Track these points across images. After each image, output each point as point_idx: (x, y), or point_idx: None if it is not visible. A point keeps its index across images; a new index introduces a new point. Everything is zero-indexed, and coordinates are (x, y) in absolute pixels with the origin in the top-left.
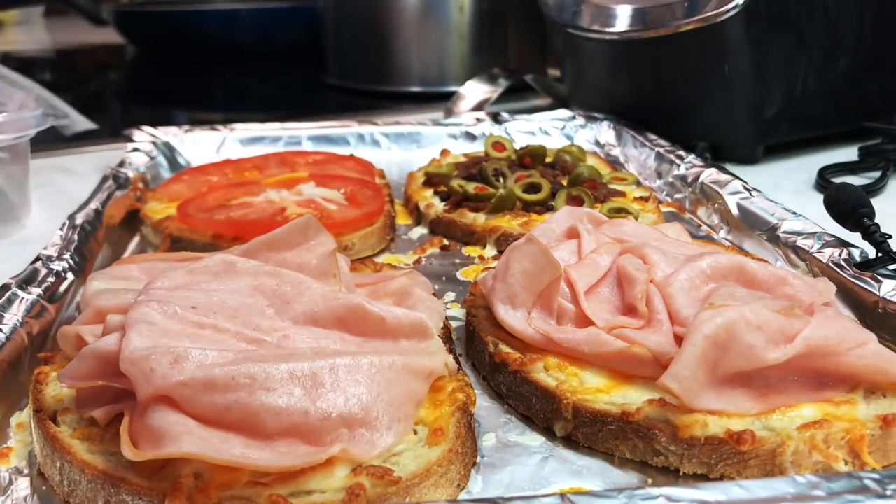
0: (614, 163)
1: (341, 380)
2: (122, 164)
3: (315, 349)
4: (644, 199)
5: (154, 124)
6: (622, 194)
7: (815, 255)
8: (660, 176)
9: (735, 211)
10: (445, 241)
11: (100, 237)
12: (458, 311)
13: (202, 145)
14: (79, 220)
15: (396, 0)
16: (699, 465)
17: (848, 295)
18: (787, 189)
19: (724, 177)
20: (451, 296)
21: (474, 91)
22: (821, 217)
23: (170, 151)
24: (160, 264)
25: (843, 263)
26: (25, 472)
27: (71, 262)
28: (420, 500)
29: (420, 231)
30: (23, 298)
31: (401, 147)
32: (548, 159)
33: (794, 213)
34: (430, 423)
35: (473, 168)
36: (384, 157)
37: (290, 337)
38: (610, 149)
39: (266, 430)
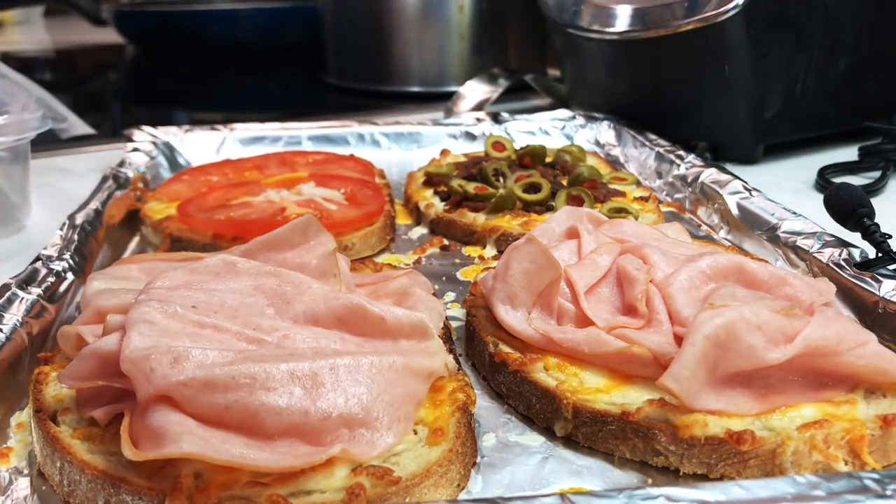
0: (614, 163)
1: (341, 380)
2: (122, 164)
3: (315, 349)
4: (644, 199)
5: (154, 124)
6: (622, 194)
7: (815, 255)
8: (660, 176)
9: (735, 211)
10: (445, 241)
11: (100, 237)
12: (458, 311)
13: (202, 145)
14: (79, 220)
15: (396, 0)
16: (699, 465)
17: (848, 295)
18: (787, 189)
19: (724, 177)
20: (451, 296)
21: (474, 91)
22: (821, 217)
23: (170, 151)
24: (160, 264)
25: (843, 263)
26: (25, 472)
27: (71, 262)
28: (420, 500)
29: (420, 231)
30: (23, 298)
31: (401, 147)
32: (548, 159)
33: (794, 213)
34: (430, 423)
35: (473, 168)
36: (384, 157)
37: (291, 337)
38: (610, 149)
39: (266, 429)
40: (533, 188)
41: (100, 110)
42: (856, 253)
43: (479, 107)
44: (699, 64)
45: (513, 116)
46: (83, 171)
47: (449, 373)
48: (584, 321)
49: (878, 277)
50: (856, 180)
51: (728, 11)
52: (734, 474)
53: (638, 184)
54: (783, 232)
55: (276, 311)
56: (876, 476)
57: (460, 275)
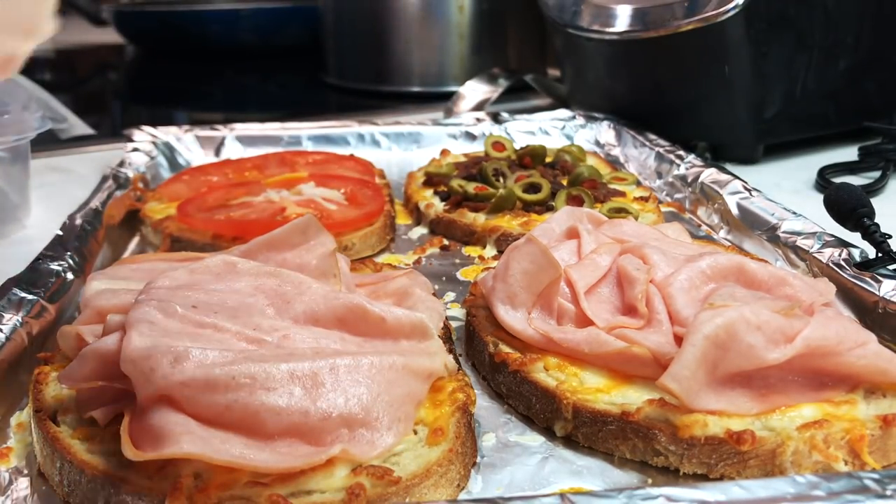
0: (614, 163)
1: (341, 380)
2: (122, 164)
3: (315, 349)
4: (644, 199)
5: (154, 124)
6: (622, 194)
7: (815, 255)
8: (660, 176)
9: (735, 211)
10: (445, 241)
11: (100, 237)
12: (458, 311)
13: (202, 145)
14: (79, 220)
15: (396, 0)
16: (699, 465)
17: (848, 295)
18: (787, 189)
19: (724, 177)
20: (451, 296)
21: (474, 91)
22: (821, 217)
23: (170, 151)
24: (160, 264)
25: (843, 263)
26: (25, 472)
27: (71, 262)
28: (420, 500)
29: (420, 231)
30: (23, 298)
31: (401, 147)
32: (548, 159)
33: (794, 213)
34: (430, 423)
35: (473, 168)
36: (384, 157)
37: (291, 337)
38: (610, 149)
39: (266, 429)
40: (533, 188)
41: (100, 110)
42: (856, 253)
43: (479, 107)
44: (699, 64)
45: (513, 116)
46: (83, 171)
47: (449, 373)
48: (584, 321)
49: (878, 277)
50: (856, 180)
51: (728, 11)
52: (734, 474)
53: (638, 184)
54: (783, 232)
55: (276, 311)
56: (876, 476)
57: (460, 275)
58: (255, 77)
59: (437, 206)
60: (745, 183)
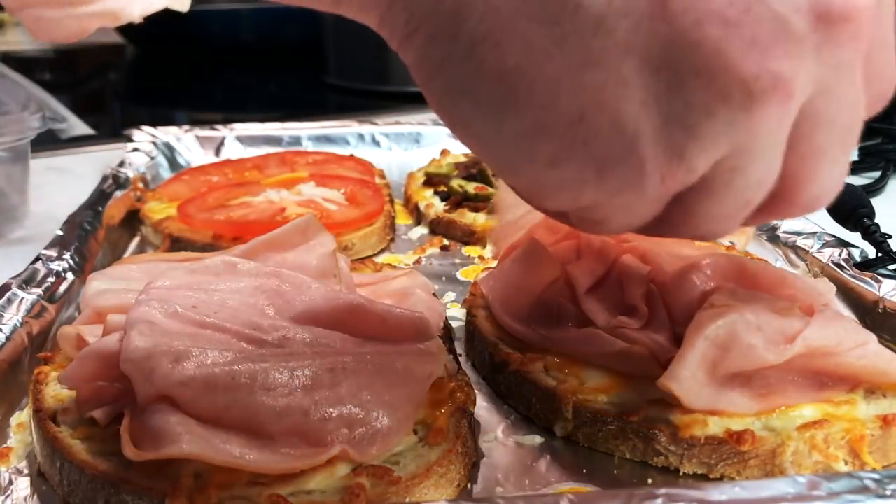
0: None
1: (341, 380)
2: (121, 164)
3: (315, 349)
4: None
5: (154, 124)
6: None
7: (815, 255)
8: None
9: None
10: (445, 241)
11: (100, 237)
12: (458, 311)
13: (202, 145)
14: (79, 220)
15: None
16: (699, 466)
17: (848, 295)
18: None
19: None
20: (451, 296)
21: None
22: (821, 217)
23: (170, 151)
24: (160, 264)
25: (843, 263)
26: (25, 472)
27: (71, 262)
28: (420, 500)
29: (420, 231)
30: (23, 298)
31: (401, 147)
32: None
33: None
34: (430, 423)
35: (473, 168)
36: (384, 157)
37: (291, 337)
38: None
39: (266, 429)
40: None
41: (100, 110)
42: (856, 253)
43: None
44: None
45: None
46: (83, 171)
47: (449, 373)
48: (584, 321)
49: (879, 277)
50: (856, 180)
51: None
52: (734, 474)
53: None
54: (783, 232)
55: (276, 311)
56: (876, 476)
57: (460, 275)
58: (255, 77)
59: (437, 206)
60: None
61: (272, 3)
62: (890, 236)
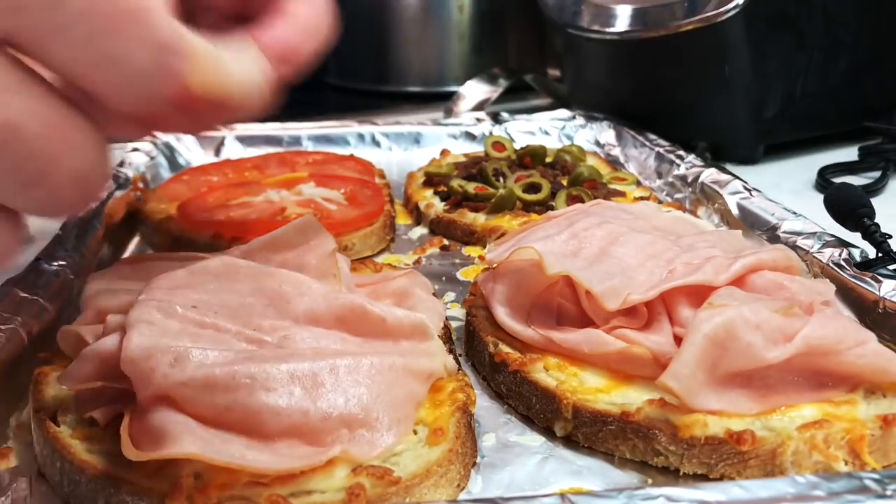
0: (614, 163)
1: (341, 380)
2: (121, 163)
3: (315, 349)
4: (644, 199)
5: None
6: (622, 194)
7: (816, 255)
8: (660, 176)
9: (735, 211)
10: (445, 241)
11: (100, 237)
12: (458, 311)
13: (202, 145)
14: (79, 220)
15: (396, 0)
16: (699, 466)
17: (848, 295)
18: (787, 189)
19: (724, 177)
20: (451, 296)
21: (474, 91)
22: (821, 217)
23: (170, 151)
24: (160, 264)
25: (843, 263)
26: (25, 471)
27: (71, 262)
28: (420, 501)
29: (420, 231)
30: (23, 298)
31: (401, 147)
32: (548, 159)
33: (795, 213)
34: (430, 423)
35: (473, 168)
36: (384, 157)
37: (291, 337)
38: (610, 149)
39: (266, 430)
40: (533, 188)
41: None
42: (856, 253)
43: (479, 107)
44: (699, 64)
45: (513, 116)
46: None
47: (449, 373)
48: (584, 321)
49: (879, 277)
50: (856, 180)
51: (728, 11)
52: (734, 474)
53: (638, 184)
54: (783, 232)
55: (276, 312)
56: (876, 476)
57: (460, 275)
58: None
59: (437, 206)
60: (746, 183)
61: None
62: (890, 236)
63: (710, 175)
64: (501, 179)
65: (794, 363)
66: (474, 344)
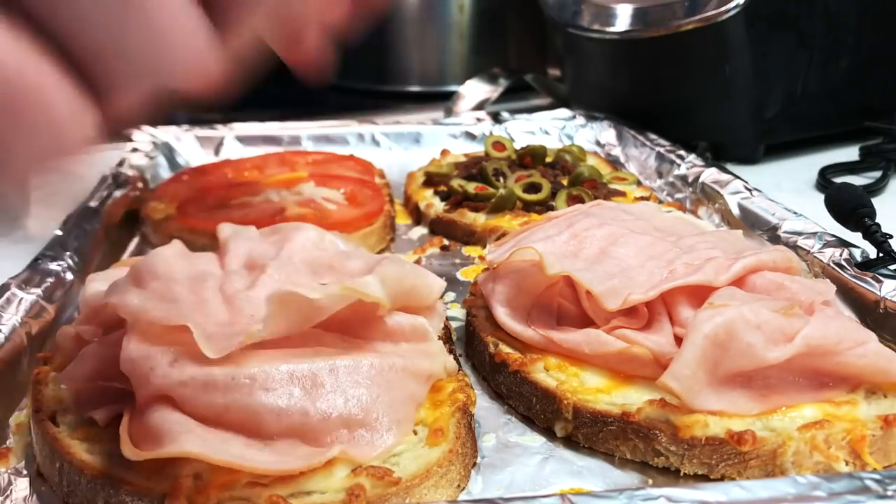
0: (614, 163)
1: (341, 381)
2: (121, 163)
3: (315, 350)
4: (644, 199)
5: (154, 124)
6: (622, 194)
7: (816, 255)
8: (660, 176)
9: (736, 211)
10: (445, 241)
11: (100, 237)
12: (458, 312)
13: (202, 145)
14: (79, 220)
15: (396, 0)
16: (700, 466)
17: (849, 295)
18: (787, 189)
19: (724, 177)
20: (451, 296)
21: (474, 91)
22: (821, 217)
23: (169, 151)
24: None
25: (843, 263)
26: (25, 472)
27: (71, 262)
28: (420, 501)
29: (420, 231)
30: (22, 298)
31: (401, 147)
32: (548, 159)
33: (795, 213)
34: (430, 423)
35: (473, 168)
36: (384, 157)
37: (291, 337)
38: (610, 149)
39: (266, 430)
40: (533, 188)
41: None
42: (856, 253)
43: (479, 107)
44: (699, 64)
45: (513, 116)
46: (83, 171)
47: (449, 373)
48: (584, 321)
49: (879, 277)
50: (856, 180)
51: (728, 11)
52: (735, 475)
53: (638, 184)
54: (784, 232)
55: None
56: (877, 476)
57: (460, 275)
58: (254, 77)
59: (437, 206)
60: (746, 183)
61: None
62: (891, 236)
63: (710, 175)
64: (501, 179)
65: (794, 363)
66: (474, 344)
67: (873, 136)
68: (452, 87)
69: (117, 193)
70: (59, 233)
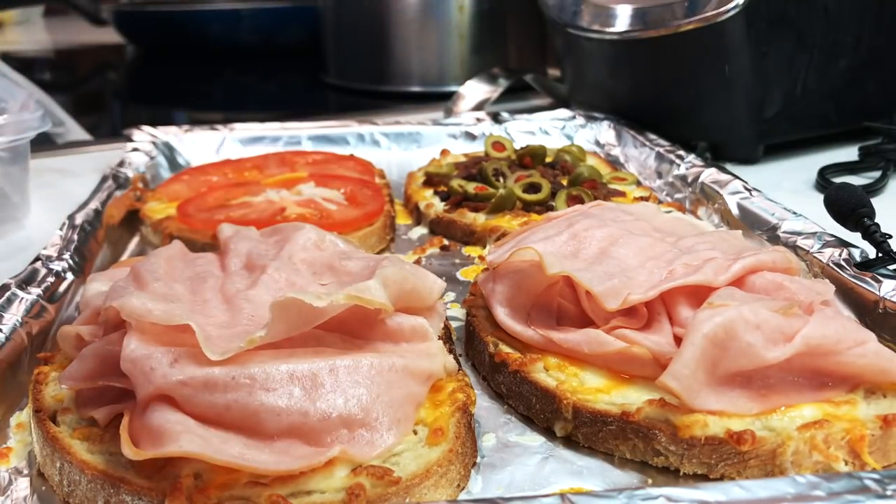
0: (614, 163)
1: (341, 381)
2: (121, 164)
3: (315, 350)
4: (644, 199)
5: (154, 124)
6: (622, 194)
7: (816, 254)
8: (660, 176)
9: (735, 211)
10: (445, 241)
11: (100, 237)
12: (458, 311)
13: (202, 145)
14: (79, 220)
15: (396, 0)
16: (699, 466)
17: (848, 295)
18: (787, 189)
19: (724, 177)
20: (451, 296)
21: (474, 91)
22: (821, 217)
23: (169, 151)
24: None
25: (843, 263)
26: (25, 472)
27: (71, 262)
28: (420, 501)
29: (420, 231)
30: (22, 298)
31: (401, 147)
32: (548, 159)
33: (795, 212)
34: (430, 423)
35: (473, 168)
36: (384, 157)
37: (291, 337)
38: (610, 149)
39: (266, 430)
40: (533, 188)
41: (99, 110)
42: (856, 253)
43: (479, 107)
44: (699, 64)
45: (513, 116)
46: (83, 171)
47: (448, 373)
48: (584, 321)
49: (879, 277)
50: (856, 180)
51: (728, 11)
52: (734, 474)
53: (638, 184)
54: (783, 232)
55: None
56: (876, 476)
57: (460, 275)
58: (254, 77)
59: (437, 206)
60: (746, 183)
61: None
62: (890, 236)
63: (710, 175)
64: (501, 179)
65: (794, 363)
66: (474, 344)
67: (873, 136)
68: (452, 88)
69: (117, 193)
70: (60, 233)
